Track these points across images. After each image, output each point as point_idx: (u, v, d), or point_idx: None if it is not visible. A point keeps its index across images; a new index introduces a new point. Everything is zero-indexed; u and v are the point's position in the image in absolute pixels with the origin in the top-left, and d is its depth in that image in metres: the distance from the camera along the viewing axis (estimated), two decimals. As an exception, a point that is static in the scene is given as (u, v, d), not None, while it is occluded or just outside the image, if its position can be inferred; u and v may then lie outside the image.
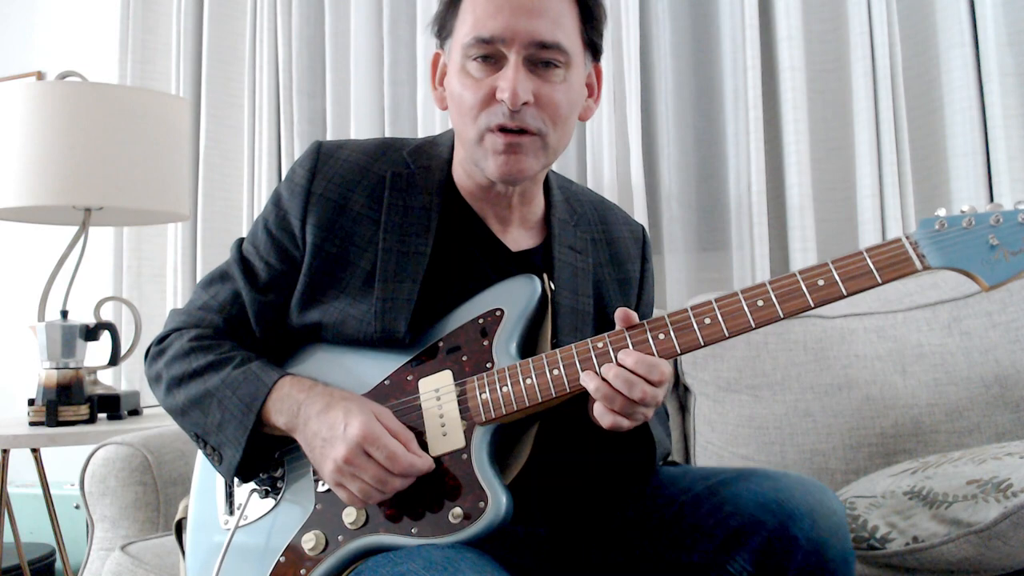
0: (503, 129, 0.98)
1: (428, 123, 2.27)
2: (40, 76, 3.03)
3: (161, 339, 1.10)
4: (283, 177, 1.09)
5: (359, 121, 2.36)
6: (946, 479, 1.17)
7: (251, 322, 1.06)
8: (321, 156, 1.07)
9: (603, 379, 0.90)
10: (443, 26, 1.05)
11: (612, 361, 0.91)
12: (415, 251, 1.04)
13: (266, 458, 1.03)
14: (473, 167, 1.06)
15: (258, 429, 0.98)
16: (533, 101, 0.98)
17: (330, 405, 0.95)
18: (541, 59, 0.98)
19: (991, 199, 1.84)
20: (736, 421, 1.63)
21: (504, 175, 1.01)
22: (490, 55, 0.98)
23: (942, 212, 0.89)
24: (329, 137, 2.39)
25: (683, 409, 1.76)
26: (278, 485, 1.02)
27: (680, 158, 2.08)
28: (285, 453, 1.03)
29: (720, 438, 1.64)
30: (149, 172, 1.99)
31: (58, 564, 2.59)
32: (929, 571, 1.11)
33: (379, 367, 1.02)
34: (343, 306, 1.03)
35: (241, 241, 1.12)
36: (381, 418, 0.93)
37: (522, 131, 0.99)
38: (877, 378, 1.55)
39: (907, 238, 0.89)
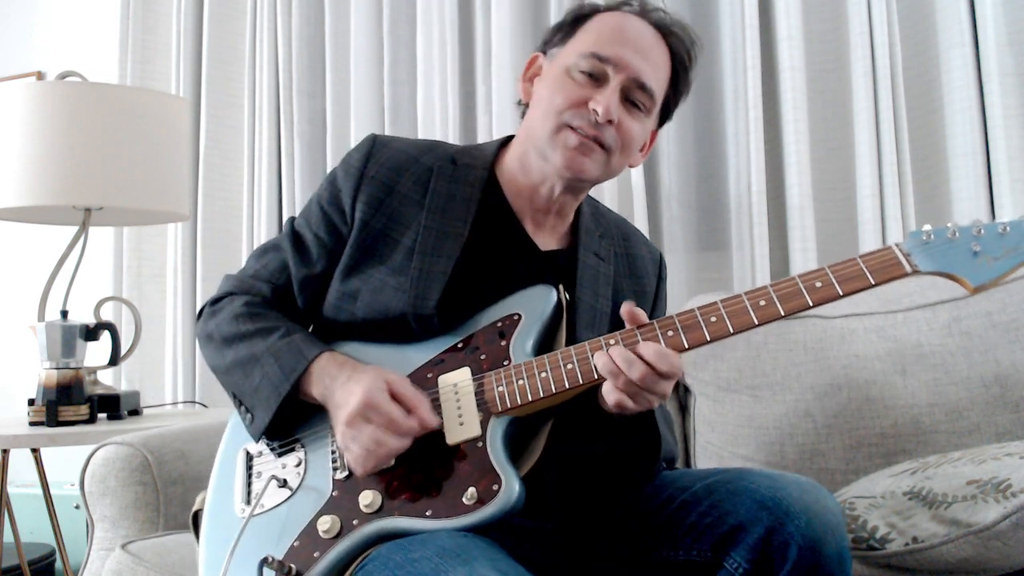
0: (581, 132, 1.09)
1: (428, 123, 2.27)
2: (40, 76, 3.03)
3: (215, 300, 1.19)
4: (339, 162, 1.19)
5: (359, 121, 2.36)
6: (946, 479, 1.17)
7: (295, 292, 1.15)
8: (376, 145, 1.18)
9: (610, 357, 0.95)
10: (559, 36, 1.17)
11: None
12: (453, 232, 1.12)
13: (294, 424, 1.08)
14: (535, 159, 1.14)
15: (293, 396, 1.04)
16: (616, 123, 1.09)
17: (351, 378, 1.01)
18: (633, 97, 1.11)
19: (991, 199, 1.84)
20: (736, 421, 1.63)
21: (567, 166, 1.10)
22: (596, 74, 1.10)
23: (928, 227, 0.96)
24: (329, 138, 2.41)
25: (683, 409, 1.76)
26: (297, 475, 1.05)
27: (680, 158, 2.08)
28: (307, 442, 1.07)
29: (720, 438, 1.64)
30: (149, 172, 1.99)
31: (58, 564, 2.59)
32: (928, 571, 1.11)
33: (401, 365, 1.06)
34: (383, 276, 1.11)
35: (294, 218, 1.21)
36: (393, 386, 0.98)
37: (597, 141, 1.10)
38: (877, 378, 1.55)
39: (897, 246, 0.95)
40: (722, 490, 0.98)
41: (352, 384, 0.99)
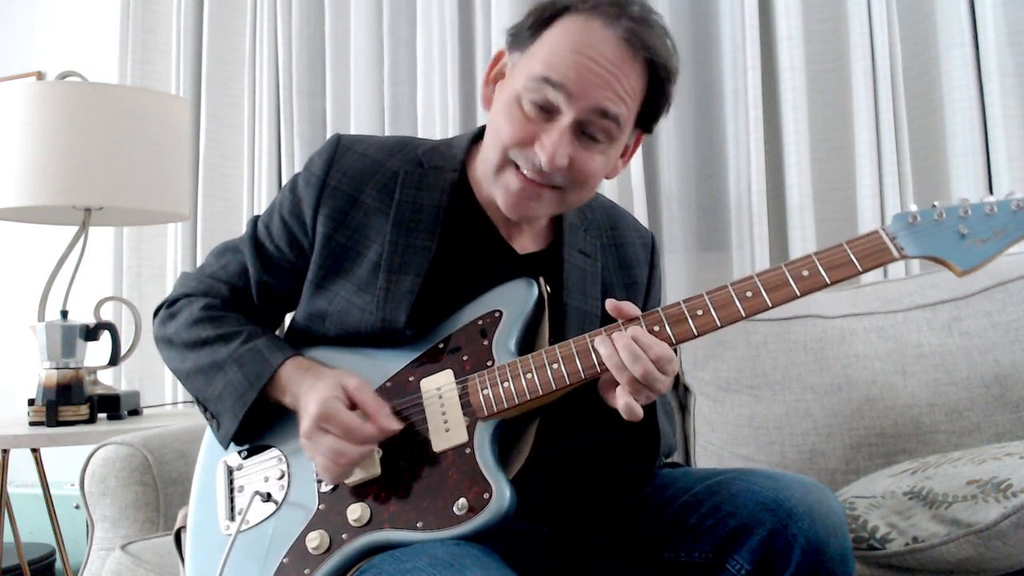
0: (526, 176, 1.00)
1: (428, 123, 2.27)
2: (40, 76, 3.03)
3: (172, 302, 1.15)
4: (302, 166, 1.13)
5: (359, 121, 2.36)
6: (946, 479, 1.17)
7: (253, 295, 1.12)
8: (339, 149, 1.10)
9: (614, 347, 0.91)
10: (523, 36, 1.03)
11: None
12: (420, 246, 1.06)
13: (263, 428, 1.06)
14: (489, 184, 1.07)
15: (260, 403, 1.02)
16: (567, 165, 0.99)
17: (311, 387, 0.99)
18: (591, 130, 0.99)
19: (991, 199, 1.84)
20: (736, 421, 1.63)
21: (511, 211, 1.04)
22: (547, 107, 0.98)
23: (914, 207, 0.93)
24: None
25: (683, 409, 1.76)
26: (281, 488, 1.03)
27: (680, 158, 2.08)
28: (288, 454, 1.04)
29: (720, 438, 1.64)
30: (149, 172, 1.99)
31: (58, 564, 2.59)
32: (929, 571, 1.11)
33: (381, 370, 1.04)
34: (348, 295, 1.06)
35: (257, 219, 1.15)
36: (351, 392, 0.96)
37: (545, 183, 1.01)
38: (877, 378, 1.55)
39: (884, 230, 0.93)
40: (724, 491, 0.97)
41: (310, 394, 0.97)
